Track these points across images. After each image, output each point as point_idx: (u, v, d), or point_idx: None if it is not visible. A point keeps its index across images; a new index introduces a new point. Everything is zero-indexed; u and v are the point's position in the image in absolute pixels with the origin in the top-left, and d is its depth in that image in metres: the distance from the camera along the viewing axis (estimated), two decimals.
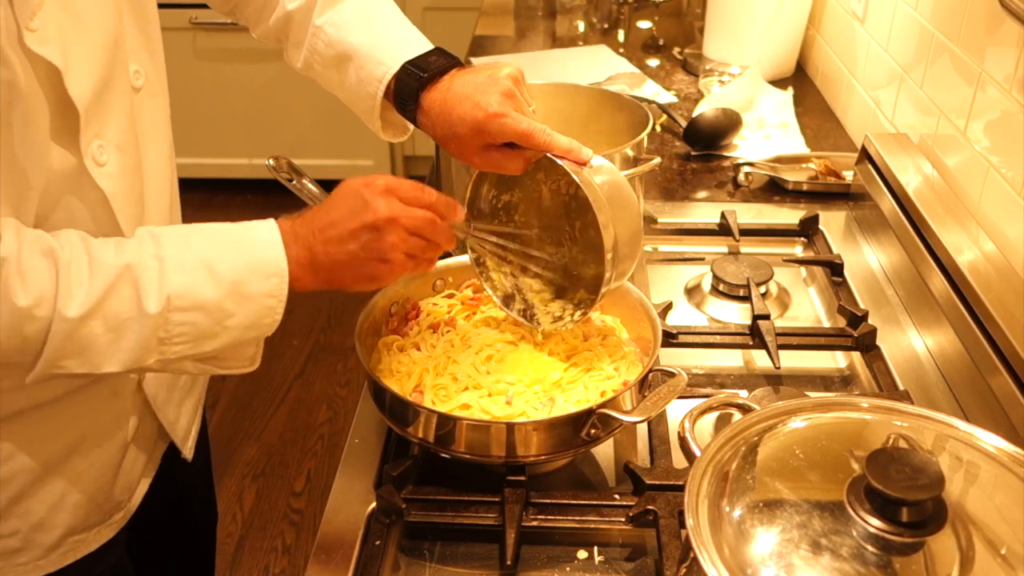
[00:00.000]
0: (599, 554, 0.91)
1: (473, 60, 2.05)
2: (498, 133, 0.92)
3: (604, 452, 1.03)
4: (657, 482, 0.93)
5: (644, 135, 1.21)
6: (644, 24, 2.40)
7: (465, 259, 1.13)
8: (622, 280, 0.98)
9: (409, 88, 0.96)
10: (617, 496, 0.93)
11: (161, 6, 0.95)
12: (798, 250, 1.43)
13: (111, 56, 0.82)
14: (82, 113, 0.78)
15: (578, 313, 0.99)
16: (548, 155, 0.93)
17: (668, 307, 1.23)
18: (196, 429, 1.11)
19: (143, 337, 0.77)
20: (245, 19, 1.11)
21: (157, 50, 0.94)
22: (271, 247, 0.83)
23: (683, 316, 1.27)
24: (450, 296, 1.12)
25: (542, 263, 1.02)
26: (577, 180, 0.92)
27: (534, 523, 0.91)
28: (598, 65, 2.08)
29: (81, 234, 0.77)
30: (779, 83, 1.97)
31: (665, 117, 1.79)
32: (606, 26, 2.39)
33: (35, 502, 0.91)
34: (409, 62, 0.97)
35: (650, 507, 0.90)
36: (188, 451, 1.08)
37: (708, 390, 1.12)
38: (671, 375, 0.95)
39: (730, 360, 1.20)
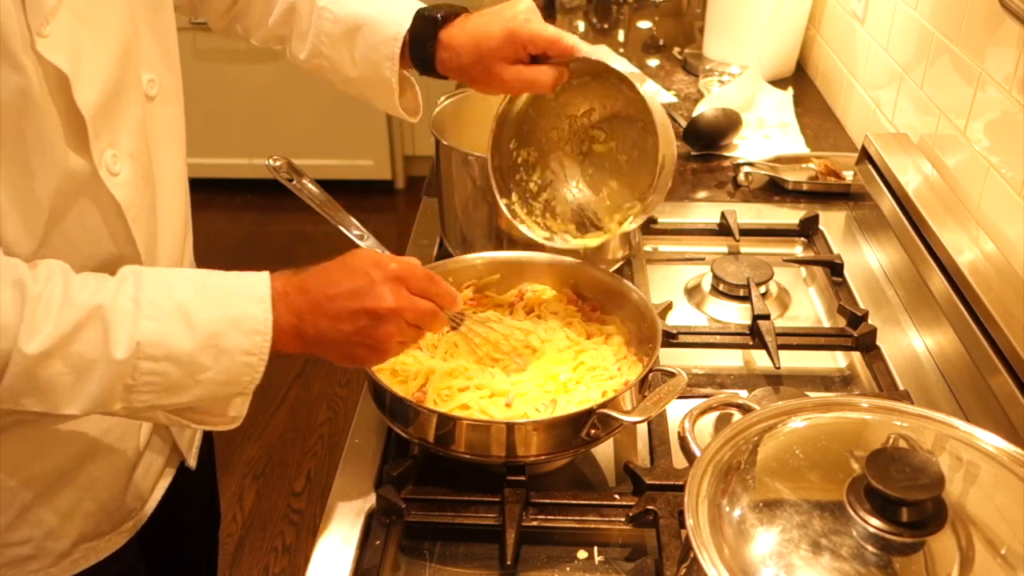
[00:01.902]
0: (599, 554, 0.91)
1: None
2: (529, 38, 0.94)
3: (604, 452, 1.03)
4: (657, 482, 0.93)
5: None
6: (644, 24, 2.40)
7: (466, 259, 1.13)
8: (652, 209, 1.03)
9: (426, 33, 0.99)
10: (617, 496, 0.93)
11: None
12: (798, 250, 1.43)
13: (122, 65, 0.81)
14: (88, 122, 0.77)
15: (628, 220, 1.04)
16: (597, 62, 0.96)
17: (668, 307, 1.23)
18: (199, 436, 1.11)
19: (108, 383, 0.73)
20: (245, 27, 1.10)
21: (173, 59, 0.94)
22: (256, 302, 0.78)
23: (683, 316, 1.27)
24: None
25: (571, 197, 1.10)
26: (633, 81, 0.96)
27: (534, 523, 0.91)
28: None
29: (63, 267, 0.74)
30: (779, 83, 1.97)
31: None
32: (606, 26, 2.39)
33: (48, 510, 0.90)
34: (422, 10, 1.00)
35: (650, 507, 0.90)
36: (192, 459, 1.08)
37: (708, 390, 1.12)
38: (671, 375, 0.95)
39: (730, 360, 1.20)
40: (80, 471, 0.91)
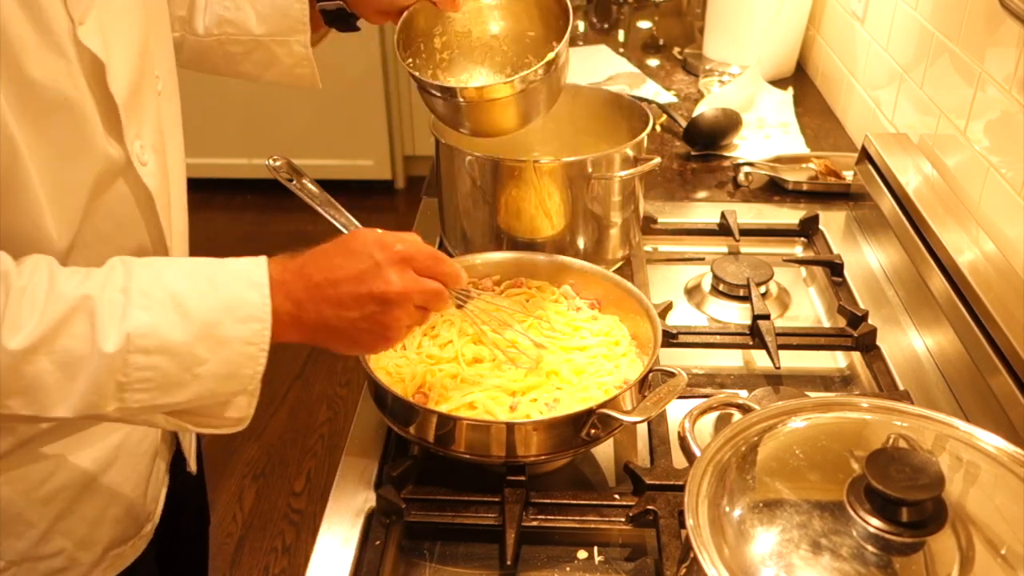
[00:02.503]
0: (599, 554, 0.91)
1: None
2: None
3: (604, 452, 1.03)
4: (657, 482, 0.93)
5: (644, 135, 1.21)
6: (644, 24, 2.40)
7: (465, 259, 1.13)
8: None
9: None
10: (617, 496, 0.93)
11: None
12: (798, 250, 1.43)
13: (141, 59, 0.83)
14: (121, 110, 0.78)
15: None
16: None
17: (668, 307, 1.23)
18: (194, 441, 1.11)
19: (98, 380, 0.69)
20: None
21: (171, 56, 0.95)
22: (253, 287, 0.74)
23: (683, 316, 1.27)
24: None
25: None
26: None
27: (534, 523, 0.91)
28: (598, 65, 2.08)
29: (50, 261, 0.71)
30: (779, 83, 1.97)
31: (665, 117, 1.79)
32: (606, 26, 2.39)
33: (78, 518, 0.90)
34: None
35: (650, 507, 0.90)
36: (192, 462, 1.08)
37: (708, 390, 1.12)
38: (671, 375, 0.95)
39: (730, 360, 1.20)
40: (107, 475, 0.91)
